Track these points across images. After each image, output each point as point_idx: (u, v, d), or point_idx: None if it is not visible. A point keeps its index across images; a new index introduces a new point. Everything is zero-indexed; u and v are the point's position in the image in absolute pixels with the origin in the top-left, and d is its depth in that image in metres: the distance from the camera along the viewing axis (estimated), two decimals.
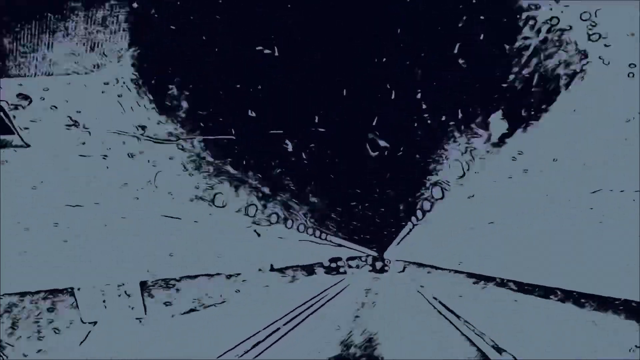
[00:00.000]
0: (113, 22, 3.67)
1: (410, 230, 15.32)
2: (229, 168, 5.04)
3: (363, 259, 21.79)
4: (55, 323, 5.11)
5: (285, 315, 7.41)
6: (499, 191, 6.21)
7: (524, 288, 7.13)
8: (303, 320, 7.18)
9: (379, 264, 25.42)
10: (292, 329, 6.57)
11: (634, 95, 3.63)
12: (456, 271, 12.13)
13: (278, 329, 6.51)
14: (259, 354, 5.46)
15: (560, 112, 4.23)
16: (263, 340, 5.89)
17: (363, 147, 4.47)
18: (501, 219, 7.03)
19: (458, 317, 6.87)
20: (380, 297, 10.60)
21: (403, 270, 22.85)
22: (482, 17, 3.40)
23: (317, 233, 13.61)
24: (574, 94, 3.97)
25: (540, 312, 6.10)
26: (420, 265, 19.63)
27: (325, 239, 15.97)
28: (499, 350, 4.75)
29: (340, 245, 19.92)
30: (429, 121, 4.14)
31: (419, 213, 10.24)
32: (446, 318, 7.14)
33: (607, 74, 3.66)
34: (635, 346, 4.06)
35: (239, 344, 5.62)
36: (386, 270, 24.65)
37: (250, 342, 5.76)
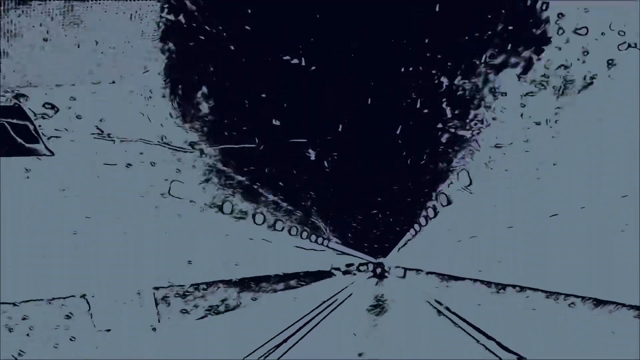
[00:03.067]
0: (142, 31, 3.69)
1: (414, 236, 15.35)
2: (250, 176, 5.05)
3: (369, 265, 23.47)
4: (70, 330, 5.09)
5: (296, 322, 7.38)
6: (505, 197, 6.24)
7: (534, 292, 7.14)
8: (314, 326, 7.15)
9: (379, 270, 25.74)
10: (305, 334, 6.55)
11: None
12: (459, 278, 12.13)
13: (291, 335, 6.48)
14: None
15: (571, 119, 4.26)
16: (276, 348, 5.87)
17: (387, 156, 4.48)
18: (506, 225, 7.05)
19: (470, 324, 6.87)
20: (386, 303, 10.58)
21: (404, 277, 22.96)
22: (510, 28, 3.44)
23: (325, 242, 13.63)
24: (585, 100, 4.00)
25: (548, 316, 6.10)
26: (420, 271, 19.65)
27: (328, 247, 16.03)
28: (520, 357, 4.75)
29: (343, 253, 19.97)
30: (451, 129, 4.16)
31: (423, 219, 10.27)
32: (456, 324, 7.14)
33: (620, 81, 3.69)
34: None
35: (254, 351, 5.59)
36: (386, 276, 24.83)
37: (265, 348, 5.74)
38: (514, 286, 7.58)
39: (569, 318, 5.22)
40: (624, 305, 4.43)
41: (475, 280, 9.88)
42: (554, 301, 5.97)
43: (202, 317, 6.49)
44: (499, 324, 6.55)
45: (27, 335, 4.87)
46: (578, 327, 5.05)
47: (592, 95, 3.92)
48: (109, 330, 5.33)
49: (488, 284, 9.00)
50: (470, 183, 5.76)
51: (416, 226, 13.65)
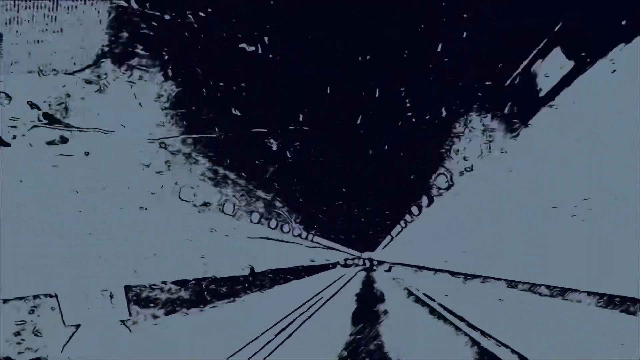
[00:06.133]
0: (94, 17, 3.62)
1: (400, 231, 15.43)
2: (213, 167, 4.98)
3: (359, 260, 25.95)
4: (37, 326, 5.01)
5: (283, 319, 7.33)
6: (489, 192, 6.26)
7: (512, 285, 7.19)
8: (301, 324, 7.10)
9: (367, 263, 26.92)
10: (291, 334, 6.48)
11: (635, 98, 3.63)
12: (442, 270, 12.22)
13: (280, 332, 6.41)
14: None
15: (551, 112, 4.26)
16: (264, 345, 5.77)
17: (348, 145, 4.44)
18: (489, 220, 7.08)
19: (459, 316, 6.90)
20: (376, 297, 10.61)
21: (389, 270, 23.70)
22: (465, 15, 3.42)
23: (304, 234, 13.61)
24: (573, 94, 3.99)
25: (530, 308, 6.15)
26: (405, 265, 19.82)
27: (312, 241, 16.04)
28: (506, 347, 4.75)
29: (327, 248, 20.08)
30: (413, 119, 4.13)
31: (412, 211, 10.30)
32: (444, 316, 7.16)
33: (605, 75, 3.69)
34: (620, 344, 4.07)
35: (237, 351, 5.50)
36: (374, 270, 25.63)
37: (251, 347, 5.65)
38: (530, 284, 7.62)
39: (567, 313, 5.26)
40: (587, 292, 4.47)
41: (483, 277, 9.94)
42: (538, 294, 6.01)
43: (170, 313, 6.43)
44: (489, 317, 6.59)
45: None
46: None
47: (593, 93, 3.92)
48: (78, 326, 5.26)
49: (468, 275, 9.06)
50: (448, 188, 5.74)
51: (402, 222, 13.73)
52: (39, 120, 4.03)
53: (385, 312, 7.78)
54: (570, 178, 4.65)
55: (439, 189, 6.56)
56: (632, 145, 3.75)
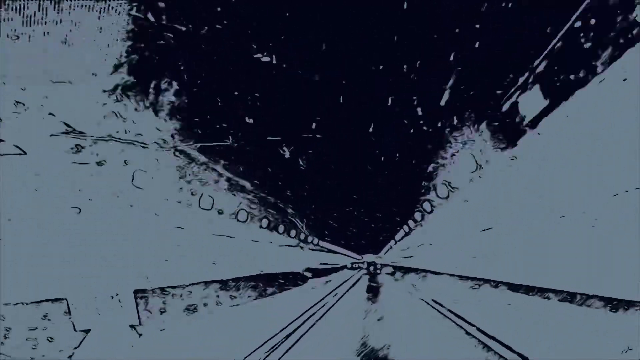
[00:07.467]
0: (111, 29, 3.67)
1: (405, 235, 15.44)
2: (226, 174, 5.03)
3: (363, 264, 26.42)
4: (49, 331, 5.04)
5: (290, 323, 7.34)
6: (493, 196, 6.28)
7: (517, 289, 7.20)
8: (309, 329, 7.11)
9: (372, 267, 27.06)
10: (300, 338, 6.49)
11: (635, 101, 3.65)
12: (448, 274, 12.21)
13: (288, 336, 6.42)
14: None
15: (558, 116, 4.28)
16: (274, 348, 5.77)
17: (360, 153, 4.49)
18: (495, 224, 7.09)
19: (464, 319, 6.91)
20: (381, 302, 10.64)
21: (393, 274, 23.77)
22: (477, 26, 3.46)
23: (311, 239, 13.64)
24: (576, 97, 4.01)
25: (537, 312, 6.16)
26: (410, 269, 19.82)
27: (317, 245, 16.09)
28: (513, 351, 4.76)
29: (332, 252, 20.15)
30: (424, 127, 4.18)
31: (416, 216, 10.33)
32: (451, 320, 7.18)
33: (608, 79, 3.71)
34: (629, 348, 4.08)
35: (250, 354, 5.51)
36: (378, 273, 25.75)
37: (260, 351, 5.65)
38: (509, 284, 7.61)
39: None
40: (595, 296, 4.48)
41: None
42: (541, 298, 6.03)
43: (181, 315, 6.46)
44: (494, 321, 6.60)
45: (5, 337, 4.83)
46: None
47: (593, 94, 3.94)
48: (88, 331, 5.29)
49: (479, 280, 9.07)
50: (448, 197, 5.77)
51: (406, 226, 13.75)
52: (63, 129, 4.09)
53: (391, 315, 7.80)
54: (571, 181, 4.68)
55: (440, 197, 6.61)
56: (632, 147, 3.78)
